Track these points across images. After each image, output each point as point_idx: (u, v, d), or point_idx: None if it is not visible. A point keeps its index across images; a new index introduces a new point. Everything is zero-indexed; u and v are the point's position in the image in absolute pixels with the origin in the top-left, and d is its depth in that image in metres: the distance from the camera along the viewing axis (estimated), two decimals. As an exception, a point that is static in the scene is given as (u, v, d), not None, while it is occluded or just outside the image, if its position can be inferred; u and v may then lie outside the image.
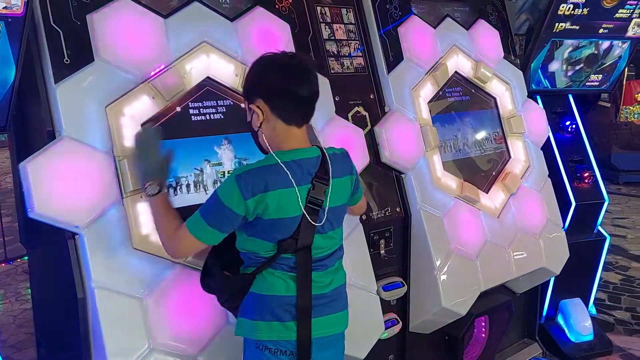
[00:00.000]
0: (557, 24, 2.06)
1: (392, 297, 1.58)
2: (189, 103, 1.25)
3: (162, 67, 1.20)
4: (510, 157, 1.95)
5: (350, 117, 1.56)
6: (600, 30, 2.15)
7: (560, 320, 2.19)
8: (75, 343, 1.13)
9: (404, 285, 1.59)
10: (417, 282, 1.62)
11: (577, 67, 2.21)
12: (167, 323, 1.12)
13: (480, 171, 1.86)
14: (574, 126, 2.23)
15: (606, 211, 2.26)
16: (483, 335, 1.82)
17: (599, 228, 2.25)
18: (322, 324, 1.01)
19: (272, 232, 0.97)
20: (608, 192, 2.26)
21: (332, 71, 1.56)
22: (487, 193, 1.82)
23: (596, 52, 2.20)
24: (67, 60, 1.11)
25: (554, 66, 2.17)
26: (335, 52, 1.58)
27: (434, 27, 1.79)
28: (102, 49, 1.13)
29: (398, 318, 1.60)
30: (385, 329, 1.51)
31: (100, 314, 1.05)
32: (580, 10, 2.05)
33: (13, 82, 1.07)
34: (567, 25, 2.07)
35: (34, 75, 1.12)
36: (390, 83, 1.63)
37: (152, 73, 1.18)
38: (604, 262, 2.28)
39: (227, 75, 1.30)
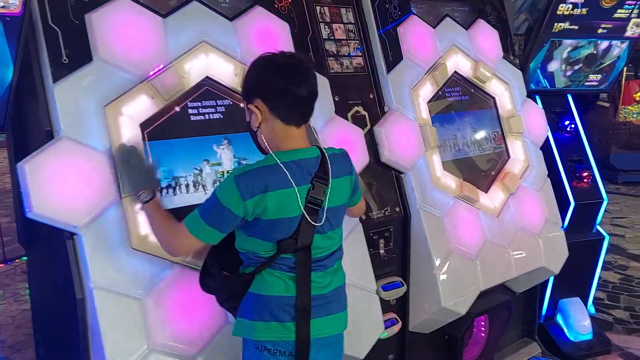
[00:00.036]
0: (556, 24, 2.06)
1: (392, 297, 1.58)
2: (188, 103, 1.25)
3: (161, 66, 1.19)
4: (509, 156, 1.95)
5: (349, 117, 1.56)
6: (599, 30, 2.15)
7: (559, 319, 2.19)
8: (74, 344, 1.13)
9: (403, 285, 1.59)
10: (416, 281, 1.62)
11: (576, 67, 2.22)
12: (167, 323, 1.11)
13: (480, 171, 1.86)
14: (573, 126, 2.23)
15: (605, 211, 2.26)
16: (482, 334, 1.83)
17: (598, 227, 2.25)
18: (321, 325, 1.01)
19: (271, 232, 0.97)
20: (607, 192, 2.26)
21: (331, 71, 1.55)
22: (486, 193, 1.82)
23: (595, 52, 2.21)
24: (65, 60, 1.10)
25: (553, 66, 2.18)
26: (335, 52, 1.58)
27: (434, 27, 1.79)
28: (101, 48, 1.13)
29: (398, 318, 1.60)
30: (385, 328, 1.51)
31: (99, 314, 1.05)
32: (579, 10, 2.05)
33: (11, 82, 1.07)
34: (566, 25, 2.07)
35: (32, 75, 1.12)
36: (390, 83, 1.63)
37: (151, 73, 1.18)
38: (603, 262, 2.29)
39: (226, 75, 1.30)
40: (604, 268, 2.41)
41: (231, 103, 1.31)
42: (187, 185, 1.22)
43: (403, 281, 1.60)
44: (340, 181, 1.03)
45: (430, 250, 1.57)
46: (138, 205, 1.09)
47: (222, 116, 1.29)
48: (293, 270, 0.99)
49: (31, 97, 1.15)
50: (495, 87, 1.95)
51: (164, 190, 1.18)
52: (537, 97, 2.17)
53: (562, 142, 2.19)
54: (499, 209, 1.81)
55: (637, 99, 4.81)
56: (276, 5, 1.43)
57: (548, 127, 2.09)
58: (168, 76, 1.19)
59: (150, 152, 1.18)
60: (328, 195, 0.99)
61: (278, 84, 0.96)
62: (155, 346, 1.09)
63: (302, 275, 0.98)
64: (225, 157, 1.28)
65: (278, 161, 0.96)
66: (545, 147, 2.08)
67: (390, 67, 1.64)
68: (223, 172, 1.27)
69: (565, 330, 2.15)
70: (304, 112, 1.00)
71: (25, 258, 1.90)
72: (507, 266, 1.78)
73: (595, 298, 2.36)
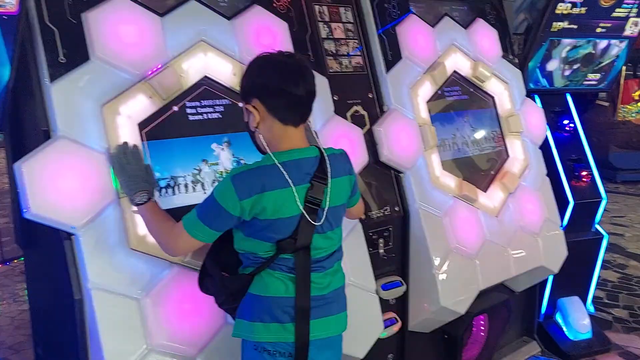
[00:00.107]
0: (554, 23, 2.06)
1: (391, 297, 1.58)
2: (186, 102, 1.24)
3: (159, 66, 1.19)
4: (508, 156, 1.95)
5: (349, 117, 1.56)
6: (598, 30, 2.15)
7: (558, 318, 2.19)
8: (72, 345, 1.12)
9: (403, 285, 1.59)
10: (416, 281, 1.62)
11: (575, 67, 2.22)
12: (165, 324, 1.11)
13: (479, 170, 1.86)
14: (572, 125, 2.23)
15: (604, 210, 2.26)
16: (482, 334, 1.83)
17: (597, 226, 2.25)
18: (320, 326, 1.00)
19: (270, 233, 0.97)
20: (606, 191, 2.26)
21: (330, 70, 1.55)
22: (485, 192, 1.82)
23: (593, 51, 2.21)
24: (62, 59, 1.10)
25: (552, 65, 2.17)
26: (334, 51, 1.57)
27: (433, 26, 1.79)
28: (98, 47, 1.12)
29: (397, 317, 1.60)
30: (384, 328, 1.51)
31: (97, 315, 1.05)
32: (578, 9, 2.05)
33: (7, 82, 1.06)
34: (565, 24, 2.08)
35: (29, 74, 1.11)
36: (389, 82, 1.63)
37: (149, 72, 1.17)
38: (602, 261, 2.29)
39: (224, 75, 1.30)
40: (603, 267, 2.41)
41: (230, 102, 1.31)
42: (185, 185, 1.21)
43: (402, 281, 1.60)
44: (340, 181, 1.03)
45: (429, 250, 1.57)
46: (133, 207, 1.08)
47: (220, 116, 1.28)
48: (293, 271, 0.98)
49: (28, 97, 1.14)
50: (494, 87, 1.95)
51: (163, 190, 1.18)
52: (536, 96, 2.17)
53: (561, 142, 2.19)
54: (498, 208, 1.81)
55: (636, 98, 4.82)
56: (275, 4, 1.42)
57: (547, 126, 2.09)
58: (166, 75, 1.18)
59: (149, 152, 1.17)
60: (328, 195, 0.99)
61: (275, 84, 0.96)
62: (154, 347, 1.09)
63: (301, 276, 0.98)
64: (224, 157, 1.27)
65: (276, 161, 0.95)
66: (545, 147, 2.08)
67: (389, 66, 1.64)
68: (222, 172, 1.27)
69: (565, 329, 2.15)
70: (302, 112, 1.00)
71: (23, 259, 1.90)
72: (507, 265, 1.78)
73: (594, 297, 2.36)
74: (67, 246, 1.07)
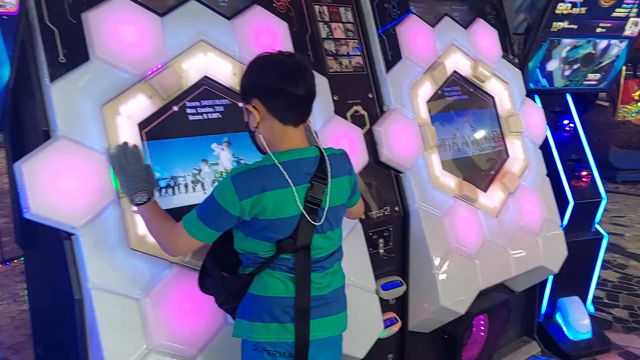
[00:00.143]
0: (554, 23, 2.06)
1: (391, 297, 1.58)
2: (186, 102, 1.24)
3: (159, 66, 1.19)
4: (508, 156, 1.95)
5: (348, 117, 1.56)
6: (598, 30, 2.15)
7: (558, 318, 2.19)
8: (72, 345, 1.12)
9: (403, 285, 1.59)
10: (416, 281, 1.62)
11: (575, 67, 2.22)
12: (165, 324, 1.11)
13: (479, 170, 1.86)
14: (572, 125, 2.23)
15: (604, 210, 2.26)
16: (482, 334, 1.82)
17: (597, 226, 2.25)
18: (320, 326, 1.00)
19: (270, 233, 0.97)
20: (606, 191, 2.26)
21: (330, 70, 1.55)
22: (485, 192, 1.82)
23: (593, 51, 2.21)
24: (62, 59, 1.10)
25: (551, 65, 2.17)
26: (334, 51, 1.57)
27: (433, 26, 1.79)
28: (98, 47, 1.12)
29: (397, 317, 1.60)
30: (384, 328, 1.51)
31: (97, 315, 1.05)
32: (578, 9, 2.05)
33: (8, 82, 1.06)
34: (565, 24, 2.08)
35: (29, 75, 1.11)
36: (389, 82, 1.63)
37: (149, 72, 1.17)
38: (602, 261, 2.29)
39: (224, 74, 1.30)
40: (603, 267, 2.41)
41: (230, 102, 1.31)
42: (185, 185, 1.21)
43: (402, 281, 1.60)
44: (340, 181, 1.03)
45: (429, 250, 1.57)
46: (133, 207, 1.08)
47: (220, 116, 1.28)
48: (293, 271, 0.98)
49: (28, 97, 1.14)
50: (494, 87, 1.95)
51: (163, 190, 1.18)
52: (536, 96, 2.17)
53: (561, 142, 2.19)
54: (498, 208, 1.81)
55: (636, 98, 4.82)
56: (275, 4, 1.42)
57: (547, 126, 2.09)
58: (166, 75, 1.18)
59: (149, 152, 1.17)
60: (328, 195, 0.99)
61: (275, 84, 0.96)
62: (154, 347, 1.09)
63: (301, 276, 0.98)
64: (225, 157, 1.27)
65: (276, 161, 0.95)
66: (545, 147, 2.08)
67: (389, 66, 1.64)
68: (222, 172, 1.27)
69: (565, 329, 2.15)
70: (302, 112, 1.00)
71: (23, 259, 1.90)
72: (507, 265, 1.78)
73: (594, 297, 2.36)
74: (67, 246, 1.07)
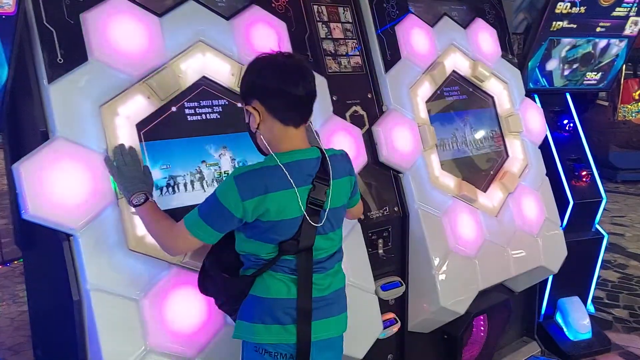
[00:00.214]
0: (554, 23, 2.05)
1: (391, 297, 1.58)
2: (185, 103, 1.24)
3: (158, 66, 1.19)
4: (508, 155, 1.94)
5: (348, 117, 1.55)
6: (598, 29, 2.15)
7: (558, 318, 2.19)
8: (72, 346, 1.12)
9: (402, 285, 1.59)
10: (415, 281, 1.62)
11: (574, 66, 2.21)
12: (164, 325, 1.11)
13: (479, 170, 1.86)
14: (571, 125, 2.22)
15: (604, 209, 2.26)
16: (482, 334, 1.82)
17: (597, 226, 2.25)
18: (321, 327, 1.00)
19: (272, 234, 0.96)
20: (606, 191, 2.26)
21: (329, 70, 1.55)
22: (485, 192, 1.82)
23: (592, 51, 2.20)
24: (60, 60, 1.10)
25: (551, 65, 2.17)
26: (333, 51, 1.57)
27: (432, 26, 1.79)
28: (96, 48, 1.12)
29: (397, 317, 1.60)
30: (384, 328, 1.51)
31: (96, 316, 1.05)
32: (578, 8, 2.05)
33: (5, 82, 1.06)
34: (565, 23, 2.07)
35: (27, 75, 1.11)
36: (388, 82, 1.63)
37: (148, 72, 1.17)
38: (602, 260, 2.29)
39: (223, 75, 1.29)
40: (603, 267, 2.41)
41: (228, 103, 1.30)
42: (185, 185, 1.21)
43: (402, 281, 1.59)
44: (341, 182, 1.03)
45: (428, 250, 1.57)
46: (132, 209, 1.08)
47: (219, 116, 1.28)
48: (295, 273, 0.98)
49: (26, 98, 1.14)
50: (493, 86, 1.95)
51: (164, 189, 1.18)
52: (535, 96, 2.17)
53: (561, 141, 2.18)
54: (497, 208, 1.80)
55: (636, 97, 4.82)
56: (273, 4, 1.42)
57: (547, 126, 2.09)
58: (164, 76, 1.18)
59: (147, 152, 1.17)
60: (329, 196, 0.98)
61: (275, 85, 0.96)
62: (153, 348, 1.09)
63: (303, 277, 0.98)
64: (225, 161, 1.27)
65: (279, 162, 0.95)
66: (544, 146, 2.08)
67: (388, 66, 1.64)
68: (221, 172, 1.26)
69: (565, 329, 2.15)
70: (302, 113, 1.00)
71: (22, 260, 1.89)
72: (506, 265, 1.78)
73: (594, 297, 2.36)
74: (66, 247, 1.07)
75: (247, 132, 1.03)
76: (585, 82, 2.28)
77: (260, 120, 0.98)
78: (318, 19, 1.56)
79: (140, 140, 1.16)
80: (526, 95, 2.05)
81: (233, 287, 1.01)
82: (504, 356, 2.01)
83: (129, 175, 1.06)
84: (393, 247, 1.60)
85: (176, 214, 1.09)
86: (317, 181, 0.97)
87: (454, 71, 1.83)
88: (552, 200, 1.99)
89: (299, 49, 1.44)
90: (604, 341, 2.15)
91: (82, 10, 1.13)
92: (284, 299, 0.98)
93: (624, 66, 2.62)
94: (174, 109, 1.22)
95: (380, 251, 1.56)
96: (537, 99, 2.16)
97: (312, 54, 1.48)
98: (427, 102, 1.73)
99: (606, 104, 4.83)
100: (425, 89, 1.73)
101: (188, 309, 1.13)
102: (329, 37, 1.58)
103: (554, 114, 2.23)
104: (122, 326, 1.07)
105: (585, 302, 2.24)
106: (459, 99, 1.86)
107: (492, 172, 1.88)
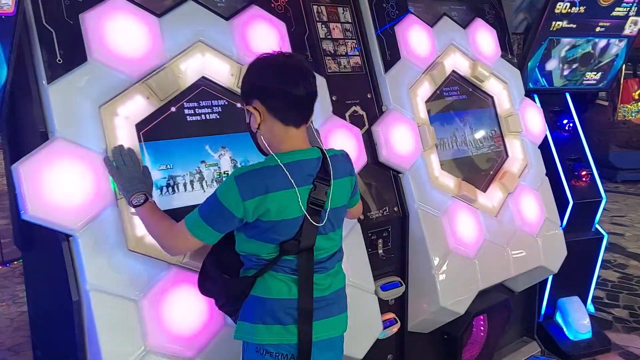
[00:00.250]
0: (554, 23, 2.05)
1: (391, 297, 1.58)
2: (184, 103, 1.24)
3: (157, 66, 1.19)
4: (507, 155, 1.94)
5: (347, 117, 1.55)
6: (597, 29, 2.15)
7: (558, 318, 2.19)
8: (71, 346, 1.12)
9: (402, 285, 1.59)
10: (415, 281, 1.61)
11: (574, 66, 2.21)
12: (163, 325, 1.11)
13: (478, 170, 1.86)
14: (571, 125, 2.22)
15: (604, 209, 2.26)
16: (482, 334, 1.82)
17: (597, 226, 2.25)
18: (322, 327, 1.00)
19: (273, 234, 0.97)
20: (606, 191, 2.26)
21: (329, 70, 1.55)
22: (484, 192, 1.82)
23: (592, 51, 2.20)
24: (59, 60, 1.10)
25: (551, 65, 2.17)
26: (332, 51, 1.57)
27: (431, 26, 1.79)
28: (96, 48, 1.12)
29: (396, 318, 1.60)
30: (384, 328, 1.51)
31: (95, 316, 1.05)
32: (577, 8, 2.05)
33: (5, 83, 1.06)
34: (564, 23, 2.07)
35: (26, 76, 1.11)
36: (388, 82, 1.63)
37: (147, 73, 1.17)
38: (602, 260, 2.29)
39: (222, 75, 1.29)
40: (603, 267, 2.41)
41: (227, 103, 1.30)
42: (184, 185, 1.21)
43: (402, 281, 1.59)
44: (342, 182, 1.03)
45: (428, 250, 1.57)
46: (132, 209, 1.08)
47: (218, 116, 1.28)
48: (295, 273, 0.98)
49: (26, 98, 1.14)
50: (493, 86, 1.95)
51: (164, 190, 1.18)
52: (535, 96, 2.17)
53: (561, 141, 2.18)
54: (497, 208, 1.80)
55: (636, 97, 4.81)
56: (273, 5, 1.42)
57: (546, 126, 2.09)
58: (164, 76, 1.18)
59: (147, 152, 1.17)
60: (330, 196, 0.99)
61: (276, 85, 0.96)
62: (152, 348, 1.09)
63: (304, 278, 0.98)
64: (224, 161, 1.27)
65: (279, 162, 0.95)
66: (544, 146, 2.07)
67: (387, 66, 1.64)
68: (220, 172, 1.26)
69: (565, 329, 2.15)
70: (303, 113, 1.00)
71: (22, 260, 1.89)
72: (506, 265, 1.78)
73: (594, 297, 2.36)
74: (65, 247, 1.07)
75: (248, 132, 1.03)
76: (584, 82, 2.28)
77: (261, 120, 0.98)
78: (317, 19, 1.56)
79: (140, 141, 1.16)
80: (526, 95, 2.05)
81: (233, 287, 1.01)
82: (504, 356, 2.01)
83: (128, 175, 1.06)
84: (393, 247, 1.60)
85: (176, 214, 1.09)
86: (317, 181, 0.97)
87: (453, 71, 1.83)
88: (552, 200, 1.99)
89: (299, 49, 1.44)
90: (604, 341, 2.15)
91: (82, 10, 1.13)
92: (285, 299, 0.98)
93: (624, 66, 2.62)
94: (173, 109, 1.22)
95: (380, 251, 1.56)
96: (536, 99, 2.16)
97: (312, 54, 1.48)
98: (426, 102, 1.73)
99: (606, 103, 4.83)
100: (425, 89, 1.73)
101: (187, 309, 1.13)
102: (329, 37, 1.58)
103: (554, 113, 2.23)
104: (121, 326, 1.07)
105: (585, 302, 2.24)
106: (458, 99, 1.86)
107: (491, 172, 1.88)
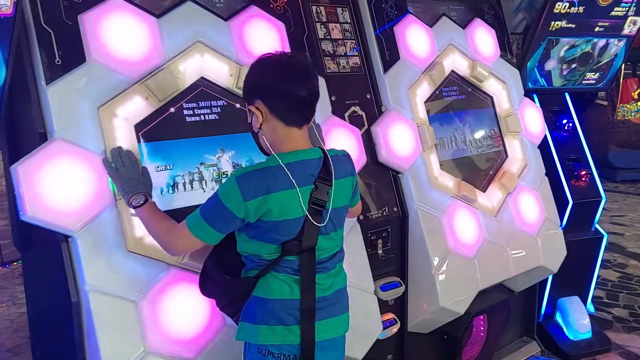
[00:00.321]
0: (553, 23, 2.06)
1: (390, 297, 1.58)
2: (183, 104, 1.24)
3: (156, 67, 1.19)
4: (507, 155, 1.94)
5: (346, 117, 1.55)
6: (596, 29, 2.15)
7: (558, 318, 2.19)
8: (70, 347, 1.12)
9: (401, 285, 1.58)
10: (415, 281, 1.61)
11: (572, 66, 2.21)
12: (163, 326, 1.11)
13: (478, 170, 1.86)
14: (570, 124, 2.23)
15: (604, 209, 2.26)
16: (482, 334, 1.82)
17: (597, 226, 2.25)
18: (324, 327, 1.00)
19: (275, 234, 0.96)
20: (606, 190, 2.26)
21: (328, 71, 1.55)
22: (484, 192, 1.82)
23: (590, 51, 2.21)
24: (58, 61, 1.10)
25: (550, 65, 2.17)
26: (331, 52, 1.57)
27: (430, 26, 1.79)
28: (94, 49, 1.12)
29: (396, 318, 1.59)
30: (384, 329, 1.51)
31: (95, 317, 1.04)
32: (576, 8, 2.05)
33: (3, 84, 1.06)
34: (563, 23, 2.07)
35: (25, 77, 1.11)
36: (387, 82, 1.63)
37: (146, 73, 1.17)
38: (602, 260, 2.29)
39: (221, 76, 1.29)
40: (603, 266, 2.41)
41: (226, 104, 1.30)
42: (184, 184, 1.21)
43: (401, 281, 1.59)
44: (343, 182, 1.03)
45: (428, 250, 1.57)
46: (131, 210, 1.08)
47: (217, 117, 1.28)
48: (297, 273, 0.98)
49: (24, 99, 1.14)
50: (492, 86, 1.95)
51: (163, 190, 1.18)
52: (534, 95, 2.17)
53: (560, 141, 2.18)
54: (497, 208, 1.80)
55: (635, 97, 4.82)
56: (272, 5, 1.42)
57: (546, 126, 2.09)
58: (163, 77, 1.18)
59: (146, 153, 1.17)
60: (332, 197, 0.99)
61: (277, 85, 0.96)
62: (152, 349, 1.08)
63: (307, 277, 0.98)
64: (224, 162, 1.27)
65: (280, 162, 0.95)
66: (543, 146, 2.08)
67: (387, 66, 1.64)
68: (219, 172, 1.26)
69: (565, 329, 2.15)
70: (305, 113, 1.00)
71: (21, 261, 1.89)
72: (506, 265, 1.78)
73: (594, 297, 2.36)
74: (65, 248, 1.07)
75: (249, 132, 1.03)
76: (584, 81, 2.28)
77: (263, 120, 0.98)
78: (316, 19, 1.56)
79: (139, 141, 1.16)
80: (525, 95, 2.05)
81: (235, 288, 1.01)
82: (503, 356, 2.01)
83: (127, 176, 1.06)
84: (392, 247, 1.60)
85: (176, 215, 1.08)
86: (319, 181, 0.97)
87: (452, 71, 1.83)
88: (552, 200, 2.00)
89: (298, 49, 1.44)
90: (604, 341, 2.15)
91: (80, 11, 1.13)
92: (287, 300, 0.97)
93: (623, 66, 2.62)
94: (172, 109, 1.22)
95: (380, 251, 1.56)
96: (536, 99, 2.16)
97: (311, 55, 1.48)
98: (426, 102, 1.73)
99: (605, 103, 4.83)
100: (424, 89, 1.73)
101: (187, 310, 1.13)
102: (328, 37, 1.58)
103: (553, 113, 2.23)
104: (120, 327, 1.07)
105: (585, 302, 2.24)
106: (457, 99, 1.86)
107: (491, 172, 1.88)
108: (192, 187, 1.22)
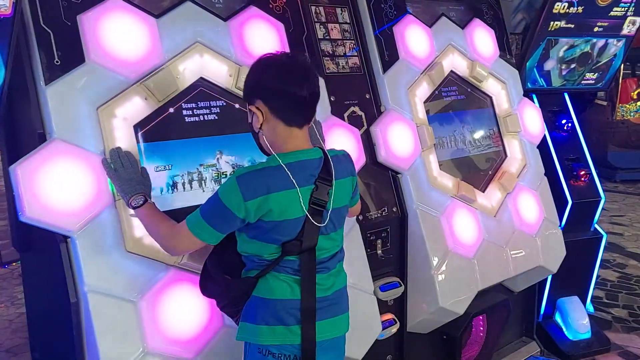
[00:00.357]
0: (552, 23, 2.06)
1: (390, 297, 1.58)
2: (182, 104, 1.24)
3: (155, 67, 1.18)
4: (506, 155, 1.94)
5: (346, 117, 1.55)
6: (595, 29, 2.15)
7: (557, 318, 2.19)
8: (69, 347, 1.12)
9: (401, 285, 1.58)
10: (414, 281, 1.61)
11: (572, 66, 2.22)
12: (162, 327, 1.10)
13: (477, 170, 1.86)
14: (570, 125, 2.23)
15: (603, 209, 2.26)
16: (481, 334, 1.82)
17: (596, 226, 2.25)
18: (325, 327, 1.00)
19: (275, 234, 0.96)
20: (605, 190, 2.26)
21: (327, 71, 1.55)
22: (483, 192, 1.82)
23: (590, 51, 2.21)
24: (57, 62, 1.10)
25: (549, 65, 2.18)
26: (330, 52, 1.57)
27: (430, 27, 1.79)
28: (93, 49, 1.12)
29: (395, 318, 1.59)
30: (383, 329, 1.51)
31: (94, 317, 1.04)
32: (575, 8, 2.06)
33: (2, 84, 1.06)
34: (562, 23, 2.08)
35: (24, 77, 1.11)
36: (386, 83, 1.63)
37: (145, 74, 1.17)
38: (601, 260, 2.29)
39: (220, 76, 1.29)
40: (602, 266, 2.41)
41: (225, 104, 1.30)
42: (183, 184, 1.21)
43: (401, 281, 1.59)
44: (343, 182, 1.03)
45: (427, 250, 1.57)
46: (131, 211, 1.08)
47: (216, 117, 1.28)
48: (298, 273, 0.98)
49: (23, 100, 1.14)
50: (491, 87, 1.95)
51: (163, 190, 1.17)
52: (533, 95, 2.17)
53: (559, 141, 2.19)
54: (496, 208, 1.80)
55: (634, 97, 4.82)
56: (271, 5, 1.42)
57: (545, 126, 2.09)
58: (162, 77, 1.18)
59: (145, 154, 1.17)
60: (332, 197, 0.99)
61: (278, 85, 0.96)
62: (150, 350, 1.08)
63: (307, 277, 0.98)
64: (223, 162, 1.26)
65: (281, 162, 0.95)
66: (543, 146, 2.08)
67: (386, 67, 1.64)
68: (219, 173, 1.26)
69: (564, 329, 2.15)
70: (305, 113, 1.00)
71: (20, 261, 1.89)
72: (505, 265, 1.78)
73: (593, 297, 2.36)
74: (64, 249, 1.07)
75: (250, 132, 1.03)
76: (583, 82, 2.29)
77: (263, 121, 0.98)
78: (316, 19, 1.56)
79: (138, 142, 1.16)
80: (524, 95, 2.06)
81: (235, 288, 1.01)
82: (503, 356, 2.01)
83: (126, 177, 1.06)
84: (392, 247, 1.60)
85: (175, 215, 1.08)
86: (319, 181, 0.97)
87: (452, 71, 1.83)
88: (551, 200, 2.00)
89: (297, 49, 1.44)
90: (603, 341, 2.15)
91: (79, 11, 1.13)
92: (288, 300, 0.97)
93: (622, 66, 2.62)
94: (171, 110, 1.22)
95: (379, 252, 1.56)
96: (535, 99, 2.16)
97: (310, 55, 1.48)
98: (425, 102, 1.73)
99: (604, 103, 4.84)
100: (424, 89, 1.73)
101: (186, 310, 1.13)
102: (327, 37, 1.58)
103: (552, 113, 2.23)
104: (119, 328, 1.06)
105: (584, 302, 2.24)
106: (457, 99, 1.86)
107: (490, 172, 1.89)
108: (191, 187, 1.22)
